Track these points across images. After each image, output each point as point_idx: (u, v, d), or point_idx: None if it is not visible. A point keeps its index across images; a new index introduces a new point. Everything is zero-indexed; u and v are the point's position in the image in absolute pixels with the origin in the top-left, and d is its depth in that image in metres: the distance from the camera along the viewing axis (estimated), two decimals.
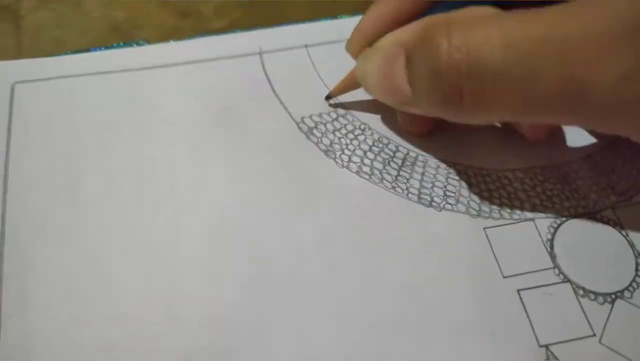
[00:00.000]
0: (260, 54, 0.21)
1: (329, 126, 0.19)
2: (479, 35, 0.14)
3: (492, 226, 0.17)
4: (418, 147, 0.19)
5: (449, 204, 0.18)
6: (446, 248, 0.17)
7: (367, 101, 0.20)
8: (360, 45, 0.18)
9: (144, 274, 0.16)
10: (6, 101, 0.19)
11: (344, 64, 0.19)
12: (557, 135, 0.20)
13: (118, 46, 0.21)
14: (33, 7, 0.23)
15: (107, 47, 0.21)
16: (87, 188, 0.18)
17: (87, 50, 0.21)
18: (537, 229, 0.18)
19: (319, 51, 0.21)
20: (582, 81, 0.13)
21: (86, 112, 0.19)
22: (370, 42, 0.17)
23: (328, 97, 0.20)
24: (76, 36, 0.22)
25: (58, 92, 0.20)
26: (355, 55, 0.18)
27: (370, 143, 0.19)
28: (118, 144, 0.18)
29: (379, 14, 0.18)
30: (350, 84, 0.19)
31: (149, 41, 0.22)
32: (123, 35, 0.22)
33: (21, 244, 0.16)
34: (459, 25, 0.14)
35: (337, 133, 0.19)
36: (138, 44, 0.21)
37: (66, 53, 0.21)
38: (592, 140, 0.20)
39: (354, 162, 0.18)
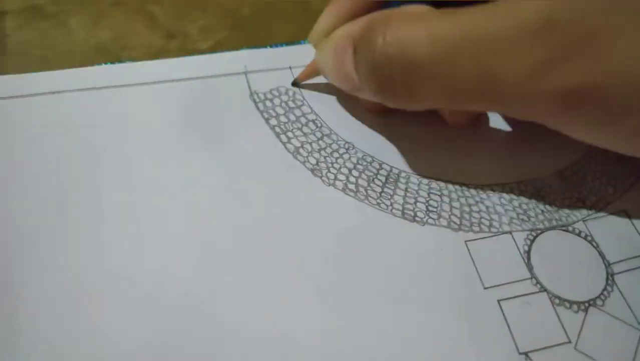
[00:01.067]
0: (246, 73, 0.21)
1: (314, 145, 0.20)
2: (409, 32, 0.16)
3: (473, 240, 0.18)
4: (401, 164, 0.20)
5: (432, 218, 0.19)
6: (430, 260, 0.18)
7: (352, 119, 0.21)
8: (320, 37, 0.20)
9: (133, 298, 0.16)
10: None
11: (328, 86, 0.20)
12: (530, 151, 0.21)
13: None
14: (18, 27, 0.23)
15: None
16: (75, 207, 0.18)
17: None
18: (514, 241, 0.18)
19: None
20: (496, 74, 0.15)
21: (73, 129, 0.19)
22: (329, 34, 0.19)
23: (294, 84, 0.21)
24: (62, 56, 0.22)
25: (42, 109, 0.20)
26: (316, 45, 0.20)
27: (355, 161, 0.20)
28: (106, 162, 0.19)
29: (337, 9, 0.20)
30: (313, 71, 0.21)
31: (135, 62, 0.22)
32: (109, 55, 0.22)
33: (7, 266, 0.16)
34: (394, 22, 0.16)
35: (322, 152, 0.20)
36: (124, 63, 0.22)
37: None
38: (563, 156, 0.21)
39: (340, 180, 0.19)
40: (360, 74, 0.17)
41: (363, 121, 0.21)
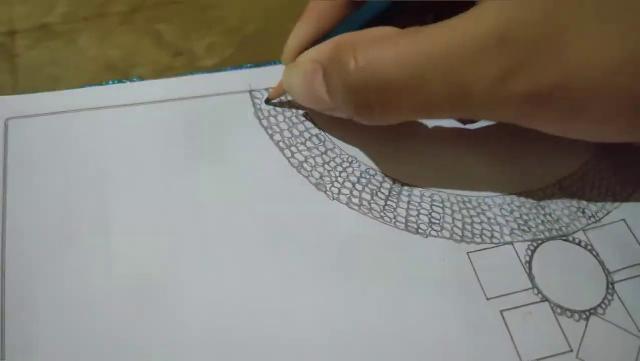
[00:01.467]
0: (251, 91, 0.22)
1: (318, 160, 0.20)
2: (378, 54, 0.16)
3: (475, 250, 0.19)
4: (403, 177, 0.20)
5: (435, 230, 0.19)
6: (433, 272, 0.18)
7: (355, 133, 0.21)
8: (291, 57, 0.20)
9: (143, 317, 0.17)
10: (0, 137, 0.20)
11: None
12: (530, 162, 0.21)
13: (113, 84, 0.22)
14: (28, 46, 0.24)
15: (102, 85, 0.22)
16: (84, 224, 0.18)
17: (81, 88, 0.22)
18: (516, 252, 0.19)
19: None
20: (464, 85, 0.16)
21: (82, 148, 0.20)
22: (299, 54, 0.20)
23: (267, 101, 0.22)
24: (72, 74, 0.23)
25: (52, 128, 0.20)
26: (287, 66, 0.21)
27: (358, 175, 0.20)
28: (113, 180, 0.19)
29: (304, 30, 0.20)
30: (282, 91, 0.21)
31: (143, 79, 0.23)
32: (118, 73, 0.23)
33: (22, 286, 0.17)
34: (362, 44, 0.17)
35: (326, 167, 0.20)
36: (132, 82, 0.22)
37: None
38: (562, 166, 0.21)
39: (344, 194, 0.20)
40: (333, 96, 0.18)
41: (365, 135, 0.21)
